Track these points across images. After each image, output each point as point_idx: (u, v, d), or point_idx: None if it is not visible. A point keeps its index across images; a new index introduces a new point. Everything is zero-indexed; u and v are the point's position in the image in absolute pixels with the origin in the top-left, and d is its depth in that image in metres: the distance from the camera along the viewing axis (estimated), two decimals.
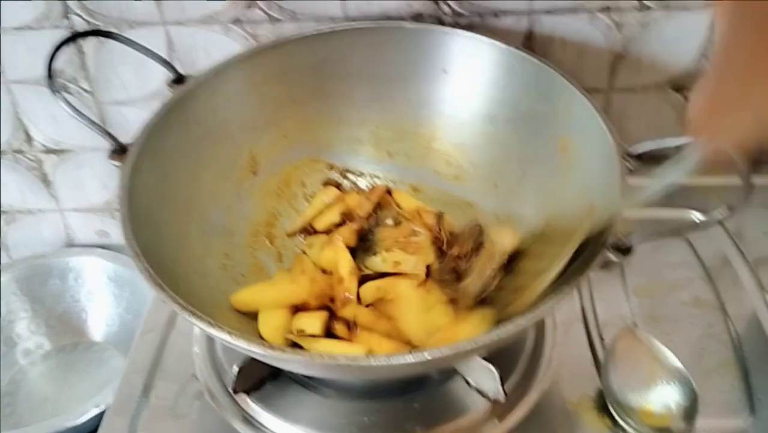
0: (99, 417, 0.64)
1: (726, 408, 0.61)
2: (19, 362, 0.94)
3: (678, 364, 0.60)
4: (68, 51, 0.78)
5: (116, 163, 0.59)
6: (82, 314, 0.97)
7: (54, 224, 0.96)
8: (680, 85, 0.80)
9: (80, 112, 0.59)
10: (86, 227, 0.97)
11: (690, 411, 0.58)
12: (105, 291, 0.96)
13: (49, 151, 0.88)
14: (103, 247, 0.97)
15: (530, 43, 0.76)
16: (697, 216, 0.74)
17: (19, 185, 0.92)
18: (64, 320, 0.96)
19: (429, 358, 0.45)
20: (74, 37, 0.62)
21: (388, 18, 0.75)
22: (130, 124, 0.83)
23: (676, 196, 0.80)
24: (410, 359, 0.45)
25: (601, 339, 0.66)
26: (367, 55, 0.72)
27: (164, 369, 0.67)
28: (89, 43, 0.78)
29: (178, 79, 0.66)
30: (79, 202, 0.94)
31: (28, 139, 0.87)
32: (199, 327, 0.48)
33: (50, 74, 0.60)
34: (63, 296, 0.96)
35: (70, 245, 0.99)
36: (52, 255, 0.96)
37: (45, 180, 0.91)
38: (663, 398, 0.58)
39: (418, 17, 0.75)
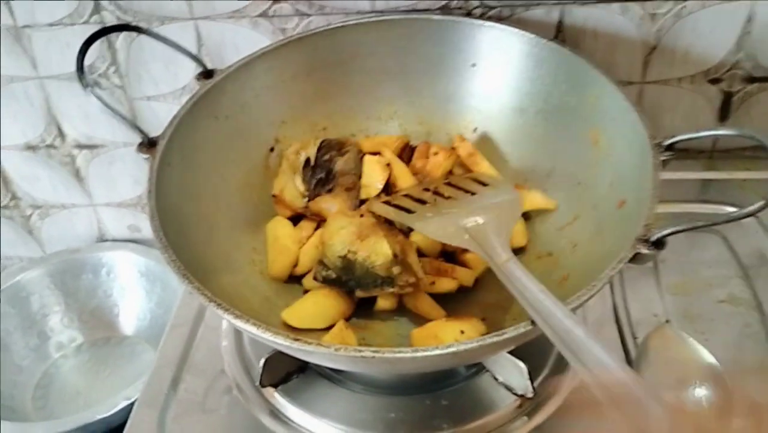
0: (129, 409, 0.64)
1: (763, 408, 0.59)
2: (52, 355, 0.96)
3: (714, 362, 0.58)
4: (99, 47, 0.79)
5: (145, 155, 0.59)
6: (114, 309, 0.98)
7: (87, 218, 0.98)
8: (716, 78, 0.78)
9: (110, 106, 0.60)
10: (118, 222, 0.98)
11: (724, 412, 0.56)
12: (137, 286, 0.97)
13: (82, 146, 0.89)
14: (134, 242, 0.98)
15: (561, 35, 0.75)
16: (730, 210, 0.73)
17: (52, 180, 0.93)
18: (97, 315, 0.98)
19: (455, 350, 0.44)
20: (104, 31, 0.63)
21: (416, 11, 0.74)
22: (160, 119, 0.84)
23: (711, 191, 0.79)
24: (436, 351, 0.44)
25: (634, 337, 0.65)
26: (394, 49, 0.72)
27: (193, 363, 0.67)
28: (120, 39, 0.79)
29: (207, 74, 0.67)
30: (111, 198, 0.95)
31: (61, 134, 0.88)
32: (225, 319, 0.48)
33: (81, 69, 0.60)
34: (96, 291, 0.98)
35: (103, 239, 1.00)
36: (85, 250, 0.98)
37: (77, 175, 0.93)
38: (697, 397, 0.57)
39: (446, 10, 0.74)
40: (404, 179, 0.68)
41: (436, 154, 0.69)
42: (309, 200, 0.66)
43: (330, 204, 0.65)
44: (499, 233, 0.54)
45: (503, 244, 0.52)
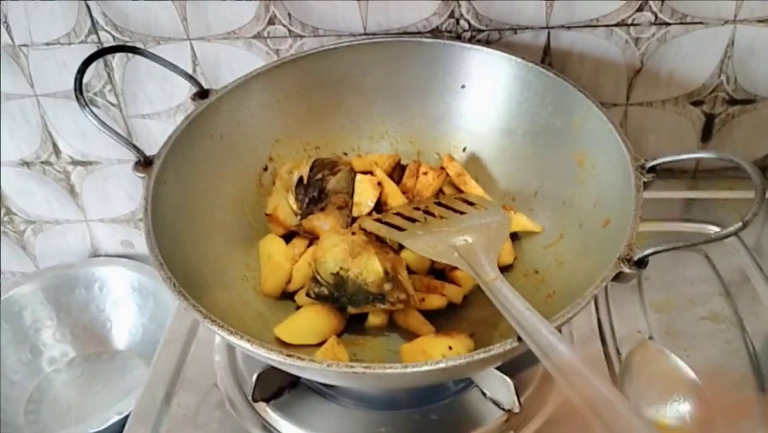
0: (121, 424, 0.65)
1: (743, 425, 0.60)
2: (44, 369, 0.96)
3: (695, 379, 0.60)
4: (96, 66, 0.81)
5: (141, 174, 0.60)
6: (106, 324, 0.99)
7: (80, 234, 0.99)
8: (698, 100, 0.80)
9: (107, 125, 0.61)
10: (111, 238, 0.99)
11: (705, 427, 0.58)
12: (129, 301, 0.98)
13: (77, 163, 0.91)
14: (127, 257, 0.99)
15: (548, 58, 0.77)
16: (712, 230, 0.74)
17: (46, 196, 0.94)
18: (89, 329, 0.99)
19: (444, 366, 0.46)
20: (102, 52, 0.64)
21: (407, 33, 0.76)
22: (156, 137, 0.85)
23: (694, 210, 0.81)
24: (425, 367, 0.46)
25: (618, 353, 0.66)
26: (386, 70, 0.74)
27: (186, 378, 0.68)
28: (116, 59, 0.80)
29: (202, 94, 0.68)
30: (104, 213, 0.96)
31: (56, 151, 0.89)
32: (219, 335, 0.49)
33: (80, 89, 0.61)
34: (88, 306, 0.98)
35: (96, 255, 1.01)
36: (78, 265, 0.99)
37: (72, 191, 0.94)
38: (679, 412, 0.58)
39: (436, 33, 0.76)
40: (395, 198, 0.70)
41: (425, 174, 0.71)
42: (302, 218, 0.68)
43: (322, 222, 0.67)
44: (488, 252, 0.55)
45: (491, 262, 0.54)
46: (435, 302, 0.64)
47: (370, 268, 0.59)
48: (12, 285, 0.96)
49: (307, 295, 0.62)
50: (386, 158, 0.74)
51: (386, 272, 0.59)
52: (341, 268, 0.60)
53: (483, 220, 0.62)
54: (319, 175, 0.68)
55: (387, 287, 0.59)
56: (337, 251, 0.60)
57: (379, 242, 0.64)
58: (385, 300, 0.59)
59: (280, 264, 0.65)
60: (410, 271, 0.65)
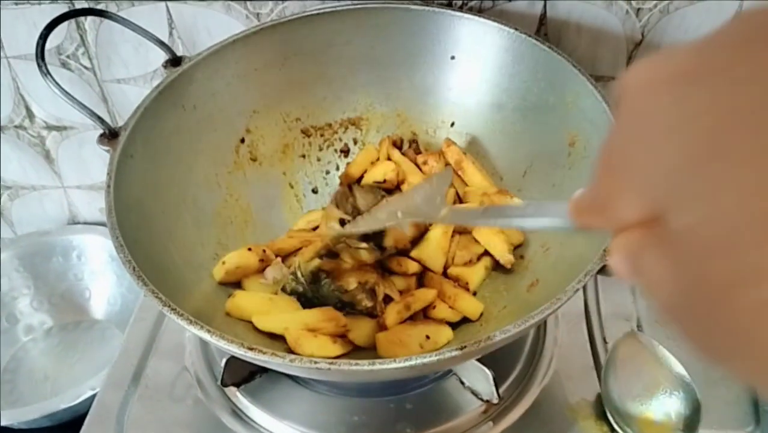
0: (94, 399, 0.63)
1: (731, 420, 0.58)
2: (20, 339, 0.94)
3: (682, 372, 0.57)
4: (68, 27, 0.77)
5: (105, 147, 0.57)
6: (84, 293, 0.96)
7: (57, 201, 0.96)
8: None
9: (69, 93, 0.58)
10: (89, 205, 0.96)
11: (692, 421, 0.56)
12: (108, 270, 0.95)
13: (51, 128, 0.87)
14: (105, 225, 0.96)
15: (544, 28, 0.73)
16: None
17: (21, 161, 0.91)
18: (67, 298, 0.96)
19: (412, 364, 0.43)
20: (66, 16, 0.60)
21: None
22: (132, 103, 0.81)
23: None
24: (392, 365, 0.43)
25: (605, 342, 0.64)
26: (371, 38, 0.70)
27: (156, 356, 0.66)
28: (89, 20, 0.76)
29: (174, 61, 0.64)
30: (81, 180, 0.93)
31: (30, 115, 0.86)
32: (178, 323, 0.46)
33: (41, 55, 0.58)
34: (66, 274, 0.96)
35: (74, 222, 0.98)
36: (55, 232, 0.96)
37: (48, 157, 0.90)
38: (664, 406, 0.56)
39: None
40: (414, 175, 0.68)
41: (425, 163, 0.68)
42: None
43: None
44: (431, 199, 0.53)
45: (438, 205, 0.51)
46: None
47: (350, 278, 0.57)
48: None
49: (282, 290, 0.59)
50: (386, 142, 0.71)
51: (361, 284, 0.58)
52: (321, 269, 0.57)
53: (426, 182, 0.61)
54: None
55: (360, 296, 0.57)
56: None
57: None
58: (354, 307, 0.57)
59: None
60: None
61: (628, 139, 0.22)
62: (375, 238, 0.60)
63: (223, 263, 0.61)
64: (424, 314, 0.59)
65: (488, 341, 0.43)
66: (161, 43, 0.64)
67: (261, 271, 0.62)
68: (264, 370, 0.61)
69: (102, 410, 0.62)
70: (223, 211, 0.66)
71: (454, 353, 0.43)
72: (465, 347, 0.44)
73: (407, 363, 0.43)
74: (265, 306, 0.58)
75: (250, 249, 0.62)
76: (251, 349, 0.44)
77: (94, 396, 0.75)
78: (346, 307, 0.58)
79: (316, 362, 0.43)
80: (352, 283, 0.58)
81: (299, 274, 0.59)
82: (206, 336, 0.45)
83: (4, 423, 0.76)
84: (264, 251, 0.63)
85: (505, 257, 0.60)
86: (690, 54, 0.21)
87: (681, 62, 0.21)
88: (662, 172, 0.20)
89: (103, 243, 0.94)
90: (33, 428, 0.79)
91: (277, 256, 0.64)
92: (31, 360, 0.92)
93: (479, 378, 0.58)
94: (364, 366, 0.43)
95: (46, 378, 0.90)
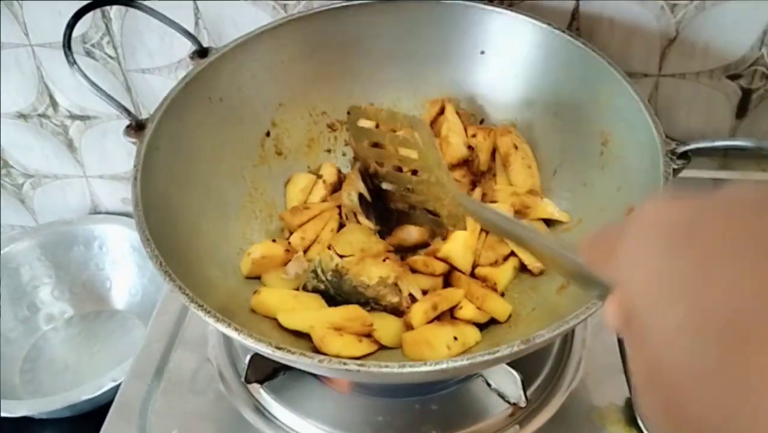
0: (115, 390, 0.63)
1: None
2: (41, 327, 0.94)
3: None
4: (93, 16, 0.76)
5: (132, 139, 0.57)
6: (106, 283, 0.96)
7: (79, 190, 0.96)
8: (735, 74, 0.74)
9: (96, 84, 0.57)
10: (111, 195, 0.96)
11: None
12: (129, 260, 0.95)
13: (74, 117, 0.87)
14: (128, 215, 0.96)
15: (576, 23, 0.72)
16: None
17: (44, 150, 0.91)
18: (88, 288, 0.96)
19: (444, 367, 0.42)
20: (94, 4, 0.60)
21: None
22: (156, 94, 0.81)
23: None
24: (423, 368, 0.42)
25: None
26: (400, 32, 0.68)
27: (180, 349, 0.66)
28: (114, 9, 0.75)
29: (201, 52, 0.63)
30: (104, 170, 0.93)
31: (53, 104, 0.85)
32: (205, 320, 0.46)
33: (68, 45, 0.57)
34: (87, 264, 0.96)
35: (96, 211, 0.98)
36: (77, 222, 0.95)
37: (70, 146, 0.90)
38: None
39: None
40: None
41: (473, 136, 0.67)
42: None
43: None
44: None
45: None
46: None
47: (372, 273, 0.56)
48: (9, 241, 0.93)
49: (304, 288, 0.58)
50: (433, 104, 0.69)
51: (382, 278, 0.57)
52: (342, 266, 0.57)
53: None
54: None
55: (383, 291, 0.56)
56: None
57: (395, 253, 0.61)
58: (378, 303, 0.56)
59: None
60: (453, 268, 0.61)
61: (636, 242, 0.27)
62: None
63: (249, 254, 0.60)
64: (450, 315, 0.58)
65: (524, 345, 0.42)
66: (188, 34, 0.64)
67: (286, 263, 0.61)
68: (287, 367, 0.60)
69: (125, 403, 0.62)
70: (248, 205, 0.65)
71: (486, 357, 0.42)
72: (498, 351, 0.43)
73: (438, 366, 0.42)
74: (290, 303, 0.57)
75: (274, 240, 0.62)
76: (279, 348, 0.44)
77: (115, 388, 0.75)
78: (370, 303, 0.57)
79: (345, 363, 0.43)
80: (373, 277, 0.57)
81: (319, 271, 0.58)
82: (233, 334, 0.45)
83: (25, 413, 0.76)
84: (288, 242, 0.62)
85: (535, 263, 0.59)
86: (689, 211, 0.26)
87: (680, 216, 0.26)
88: (646, 279, 0.25)
89: (124, 233, 0.94)
90: (54, 418, 0.79)
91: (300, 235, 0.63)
92: (52, 350, 0.92)
93: (507, 381, 0.57)
94: (394, 368, 0.42)
95: (67, 368, 0.90)
